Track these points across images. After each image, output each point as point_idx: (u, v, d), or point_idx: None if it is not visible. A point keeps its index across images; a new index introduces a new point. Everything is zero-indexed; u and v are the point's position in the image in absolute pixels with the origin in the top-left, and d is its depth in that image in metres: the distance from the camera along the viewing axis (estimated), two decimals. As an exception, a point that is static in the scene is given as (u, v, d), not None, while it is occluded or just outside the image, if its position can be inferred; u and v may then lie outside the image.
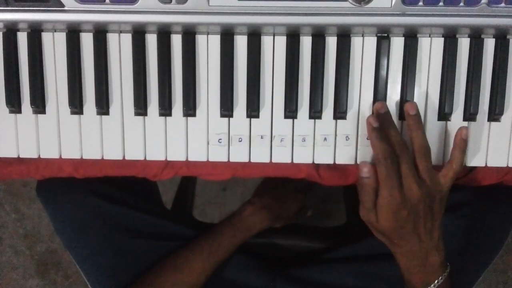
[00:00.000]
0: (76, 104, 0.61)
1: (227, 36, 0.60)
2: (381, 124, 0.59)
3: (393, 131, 0.58)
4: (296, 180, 0.68)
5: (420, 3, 0.57)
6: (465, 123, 0.61)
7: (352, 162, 0.62)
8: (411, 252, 0.60)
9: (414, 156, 0.58)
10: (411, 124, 0.59)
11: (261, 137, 0.62)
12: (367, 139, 0.61)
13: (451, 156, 0.60)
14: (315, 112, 0.61)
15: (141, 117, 0.62)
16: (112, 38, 0.61)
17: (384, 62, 0.60)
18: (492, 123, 0.62)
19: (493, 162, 0.63)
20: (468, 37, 0.60)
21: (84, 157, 0.63)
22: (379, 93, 0.61)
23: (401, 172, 0.57)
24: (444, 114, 0.61)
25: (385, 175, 0.57)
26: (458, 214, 0.76)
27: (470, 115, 0.61)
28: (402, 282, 0.64)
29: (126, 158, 0.63)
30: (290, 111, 0.61)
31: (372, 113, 0.61)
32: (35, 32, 0.61)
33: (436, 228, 0.60)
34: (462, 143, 0.60)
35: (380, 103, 0.59)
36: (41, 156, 0.63)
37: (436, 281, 0.61)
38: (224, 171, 0.66)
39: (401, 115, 0.61)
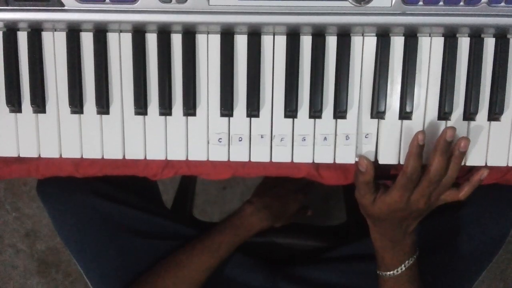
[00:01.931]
0: (76, 104, 0.61)
1: (227, 36, 0.60)
2: (440, 148, 0.58)
3: (441, 162, 0.58)
4: (296, 179, 0.68)
5: (420, 3, 0.57)
6: (465, 123, 0.62)
7: (352, 162, 0.62)
8: (387, 235, 0.66)
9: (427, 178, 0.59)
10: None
11: (261, 137, 0.62)
12: (366, 137, 0.62)
13: (462, 187, 0.62)
14: (315, 112, 0.61)
15: (141, 117, 0.62)
16: (112, 38, 0.61)
17: (384, 61, 0.60)
18: (492, 122, 0.62)
19: (493, 162, 0.63)
20: (468, 36, 0.60)
21: (84, 157, 0.63)
22: (379, 93, 0.61)
23: (420, 187, 0.60)
24: (444, 114, 0.61)
25: (403, 185, 0.60)
26: (458, 214, 0.76)
27: (470, 114, 0.61)
28: (376, 261, 0.69)
29: (126, 157, 0.63)
30: (290, 111, 0.61)
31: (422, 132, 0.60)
32: (35, 31, 0.61)
33: (415, 224, 0.65)
34: (478, 182, 0.61)
35: (452, 131, 0.57)
36: (41, 156, 0.63)
37: (406, 261, 0.66)
38: (224, 171, 0.66)
39: (401, 114, 0.61)
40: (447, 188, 0.61)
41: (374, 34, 0.60)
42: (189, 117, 0.62)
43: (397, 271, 0.67)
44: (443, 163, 0.58)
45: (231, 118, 0.62)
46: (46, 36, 0.61)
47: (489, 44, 0.60)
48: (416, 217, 0.64)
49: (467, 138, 0.58)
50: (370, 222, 0.67)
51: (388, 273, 0.67)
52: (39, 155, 0.63)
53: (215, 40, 0.61)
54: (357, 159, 0.62)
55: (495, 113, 0.61)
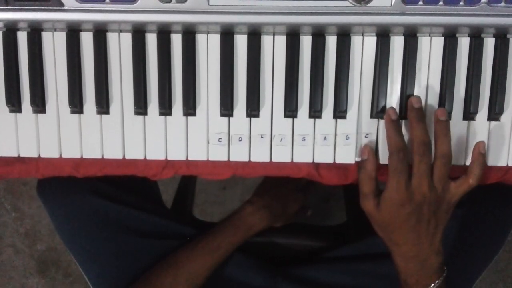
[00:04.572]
0: (76, 104, 0.62)
1: (227, 36, 0.60)
2: (414, 118, 0.58)
3: (420, 129, 0.57)
4: (296, 179, 0.68)
5: (420, 3, 0.57)
6: (465, 122, 0.62)
7: (352, 161, 0.62)
8: (410, 253, 0.61)
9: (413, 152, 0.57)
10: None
11: (261, 137, 0.62)
12: (365, 137, 0.62)
13: (469, 170, 0.58)
14: (315, 112, 0.61)
15: (141, 117, 0.62)
16: (112, 38, 0.61)
17: (384, 61, 0.60)
18: (492, 122, 0.62)
19: (493, 161, 0.63)
20: (468, 36, 0.60)
21: (84, 157, 0.63)
22: (379, 92, 0.61)
23: (414, 169, 0.57)
24: (444, 114, 0.61)
25: (394, 167, 0.57)
26: (458, 214, 0.76)
27: (470, 114, 0.61)
28: (398, 282, 0.64)
29: (126, 157, 0.63)
30: (290, 111, 0.61)
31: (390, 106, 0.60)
32: (35, 31, 0.61)
33: (438, 233, 0.60)
34: (481, 157, 0.58)
35: (416, 98, 0.58)
36: (41, 156, 0.63)
37: (432, 285, 0.61)
38: (224, 171, 0.66)
39: (401, 114, 0.61)
40: (446, 162, 0.57)
41: (374, 34, 0.60)
42: (189, 117, 0.62)
43: None
44: (422, 128, 0.57)
45: (231, 118, 0.62)
46: (46, 36, 0.61)
47: (489, 44, 0.60)
48: (431, 219, 0.59)
49: (442, 109, 0.59)
50: (387, 239, 0.62)
51: None
52: (39, 155, 0.63)
53: (215, 40, 0.61)
54: (357, 159, 0.62)
55: (495, 113, 0.61)
